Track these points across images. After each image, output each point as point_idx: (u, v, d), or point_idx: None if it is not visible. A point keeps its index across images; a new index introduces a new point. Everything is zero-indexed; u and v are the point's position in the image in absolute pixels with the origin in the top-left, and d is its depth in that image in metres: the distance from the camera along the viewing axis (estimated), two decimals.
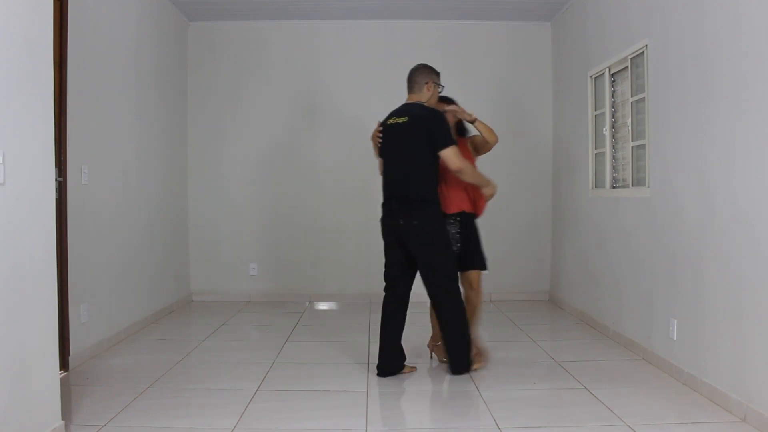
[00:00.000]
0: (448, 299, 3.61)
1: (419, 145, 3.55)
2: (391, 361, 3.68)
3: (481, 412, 3.10)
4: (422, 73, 3.72)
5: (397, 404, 3.24)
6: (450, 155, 3.50)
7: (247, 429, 2.85)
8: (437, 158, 3.56)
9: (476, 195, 3.78)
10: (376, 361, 3.73)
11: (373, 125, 6.16)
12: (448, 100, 3.87)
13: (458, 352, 3.64)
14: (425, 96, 3.70)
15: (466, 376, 3.66)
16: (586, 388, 3.40)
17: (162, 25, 5.48)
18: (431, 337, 4.01)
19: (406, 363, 3.73)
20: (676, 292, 3.60)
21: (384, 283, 3.75)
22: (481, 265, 3.83)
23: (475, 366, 3.73)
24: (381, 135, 3.76)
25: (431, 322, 3.98)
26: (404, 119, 3.61)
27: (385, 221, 3.69)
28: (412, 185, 3.56)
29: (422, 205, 3.55)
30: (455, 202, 3.74)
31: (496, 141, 3.78)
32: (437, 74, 3.75)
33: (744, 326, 2.94)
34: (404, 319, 3.73)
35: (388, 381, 3.59)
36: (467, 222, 3.78)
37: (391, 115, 3.75)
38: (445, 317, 3.62)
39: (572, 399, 3.27)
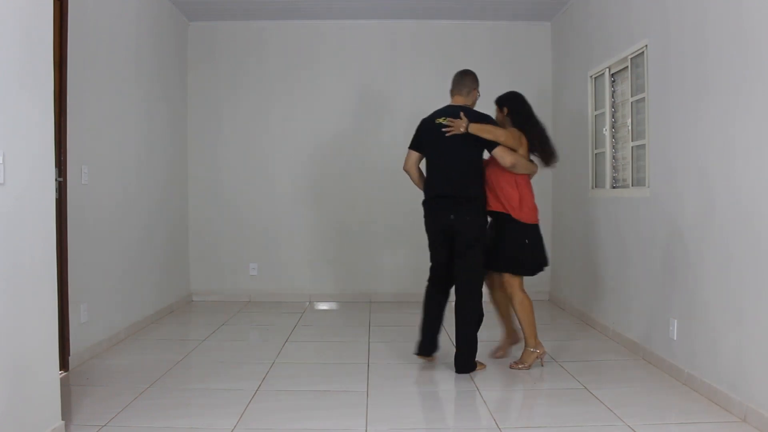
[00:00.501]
0: (468, 298, 3.71)
1: (471, 146, 3.69)
2: (428, 347, 3.82)
3: (481, 412, 3.10)
4: (471, 79, 3.89)
5: (397, 404, 3.23)
6: (501, 153, 3.66)
7: (247, 429, 2.84)
8: (482, 158, 3.77)
9: (522, 198, 3.73)
10: (377, 361, 3.73)
11: (373, 125, 6.22)
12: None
13: (465, 352, 3.70)
14: (470, 101, 3.88)
15: (466, 376, 3.66)
16: (586, 388, 3.40)
17: (162, 24, 5.48)
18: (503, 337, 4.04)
19: (435, 354, 3.87)
20: (676, 292, 3.60)
21: (429, 275, 3.91)
22: (500, 267, 3.77)
23: (479, 367, 3.76)
24: (421, 130, 3.88)
25: (499, 320, 4.02)
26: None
27: (432, 217, 3.80)
28: (465, 183, 3.71)
29: (474, 201, 3.71)
30: (490, 203, 3.78)
31: (500, 137, 3.63)
32: (479, 82, 3.94)
33: (744, 326, 2.94)
34: (444, 311, 3.87)
35: (388, 381, 3.59)
36: (499, 223, 3.76)
37: (439, 114, 3.81)
38: (462, 315, 3.71)
39: (572, 399, 3.27)
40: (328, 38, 6.24)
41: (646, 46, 4.01)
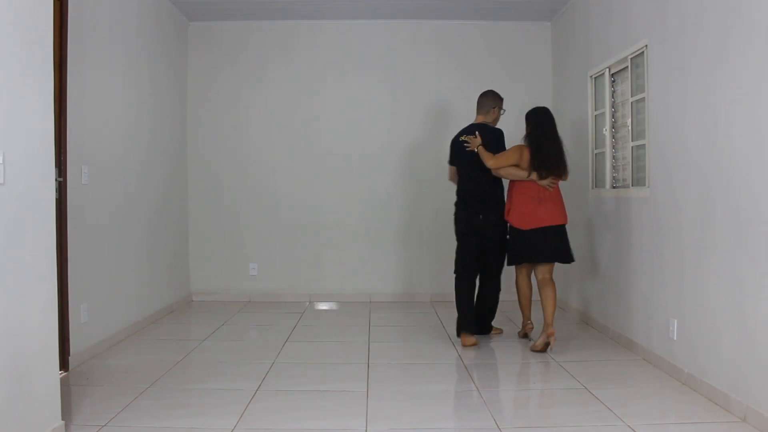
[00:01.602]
0: (494, 283, 4.61)
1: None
2: (466, 325, 4.38)
3: (481, 412, 3.10)
4: (491, 99, 4.58)
5: (397, 404, 3.24)
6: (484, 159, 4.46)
7: (247, 429, 2.85)
8: None
9: (513, 207, 4.34)
10: (377, 361, 3.72)
11: (373, 125, 6.22)
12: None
13: (489, 319, 4.65)
14: (491, 118, 4.58)
15: (465, 375, 3.67)
16: (586, 388, 3.40)
17: (162, 24, 5.48)
18: (522, 324, 4.56)
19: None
20: (676, 292, 3.60)
21: (455, 268, 4.56)
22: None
23: (495, 331, 4.67)
24: (452, 147, 4.64)
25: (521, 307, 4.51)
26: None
27: (463, 217, 4.53)
28: (485, 189, 4.49)
29: (497, 205, 4.47)
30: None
31: (493, 166, 4.29)
32: (502, 99, 4.61)
33: (744, 326, 2.94)
34: (474, 295, 4.54)
35: (388, 381, 3.59)
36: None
37: (462, 132, 4.56)
38: (488, 294, 4.61)
39: (572, 399, 3.27)
40: (327, 38, 6.24)
41: (646, 46, 4.01)
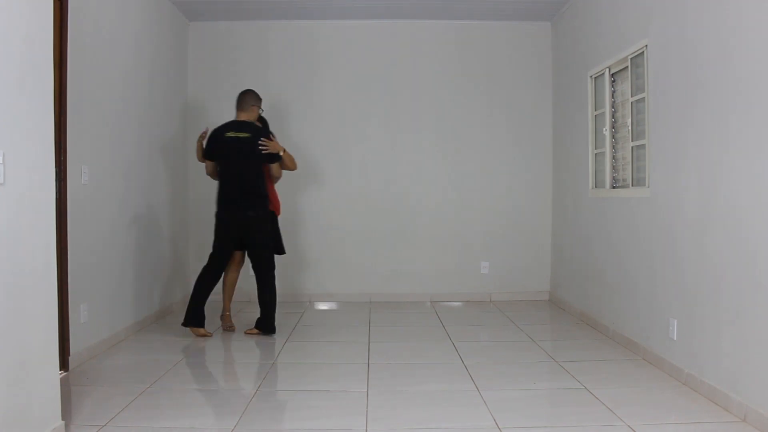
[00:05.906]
0: (273, 277, 4.80)
1: (260, 156, 4.63)
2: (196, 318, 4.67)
3: (481, 412, 3.10)
4: (253, 97, 4.73)
5: (397, 404, 3.24)
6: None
7: (247, 429, 2.85)
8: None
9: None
10: (377, 361, 3.71)
11: (371, 125, 6.22)
12: (263, 121, 4.91)
13: (271, 316, 4.75)
14: (253, 116, 4.75)
15: (465, 375, 3.67)
16: (586, 388, 3.40)
17: (162, 25, 5.48)
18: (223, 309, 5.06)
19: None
20: (676, 292, 3.61)
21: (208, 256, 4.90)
22: None
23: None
24: (210, 142, 4.71)
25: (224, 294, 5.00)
26: (246, 135, 4.60)
27: (227, 215, 4.71)
28: (257, 186, 4.65)
29: (265, 201, 4.72)
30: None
31: (295, 168, 4.90)
32: (261, 100, 4.81)
33: (744, 326, 2.94)
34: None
35: (388, 381, 3.59)
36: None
37: (228, 128, 4.67)
38: (273, 291, 4.80)
39: (572, 399, 3.27)
40: (327, 38, 6.24)
41: (646, 46, 4.01)
